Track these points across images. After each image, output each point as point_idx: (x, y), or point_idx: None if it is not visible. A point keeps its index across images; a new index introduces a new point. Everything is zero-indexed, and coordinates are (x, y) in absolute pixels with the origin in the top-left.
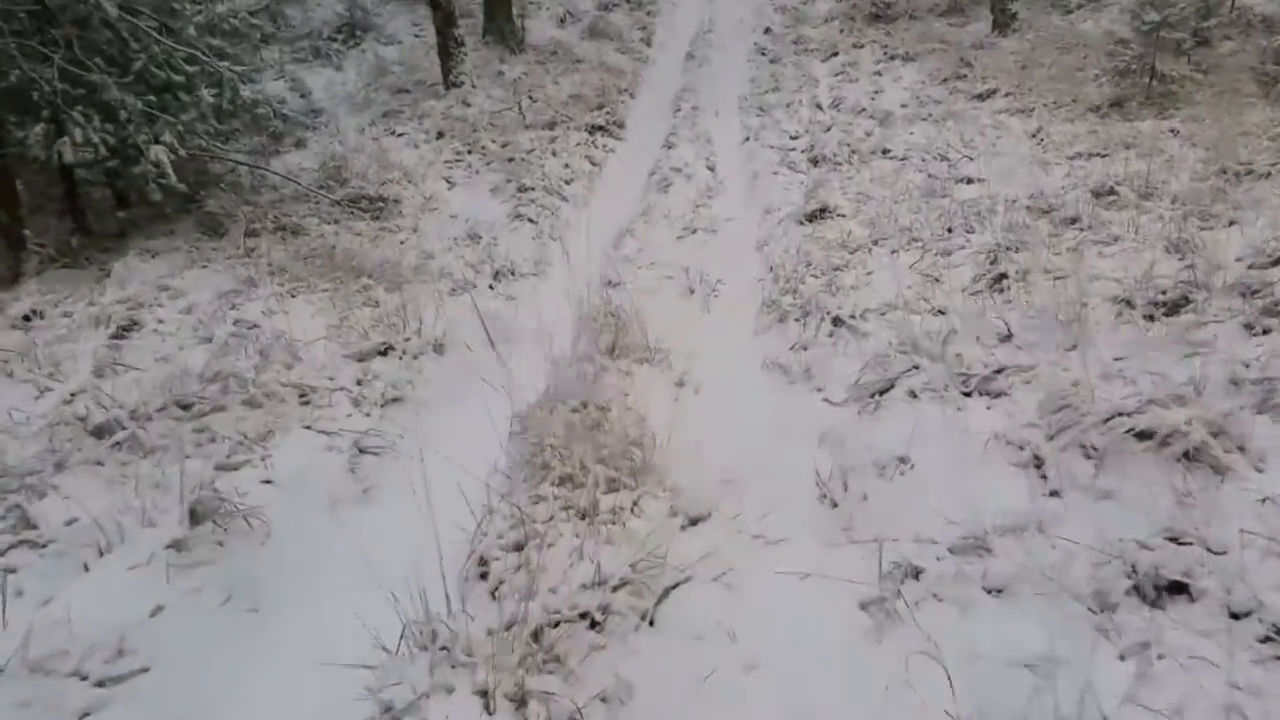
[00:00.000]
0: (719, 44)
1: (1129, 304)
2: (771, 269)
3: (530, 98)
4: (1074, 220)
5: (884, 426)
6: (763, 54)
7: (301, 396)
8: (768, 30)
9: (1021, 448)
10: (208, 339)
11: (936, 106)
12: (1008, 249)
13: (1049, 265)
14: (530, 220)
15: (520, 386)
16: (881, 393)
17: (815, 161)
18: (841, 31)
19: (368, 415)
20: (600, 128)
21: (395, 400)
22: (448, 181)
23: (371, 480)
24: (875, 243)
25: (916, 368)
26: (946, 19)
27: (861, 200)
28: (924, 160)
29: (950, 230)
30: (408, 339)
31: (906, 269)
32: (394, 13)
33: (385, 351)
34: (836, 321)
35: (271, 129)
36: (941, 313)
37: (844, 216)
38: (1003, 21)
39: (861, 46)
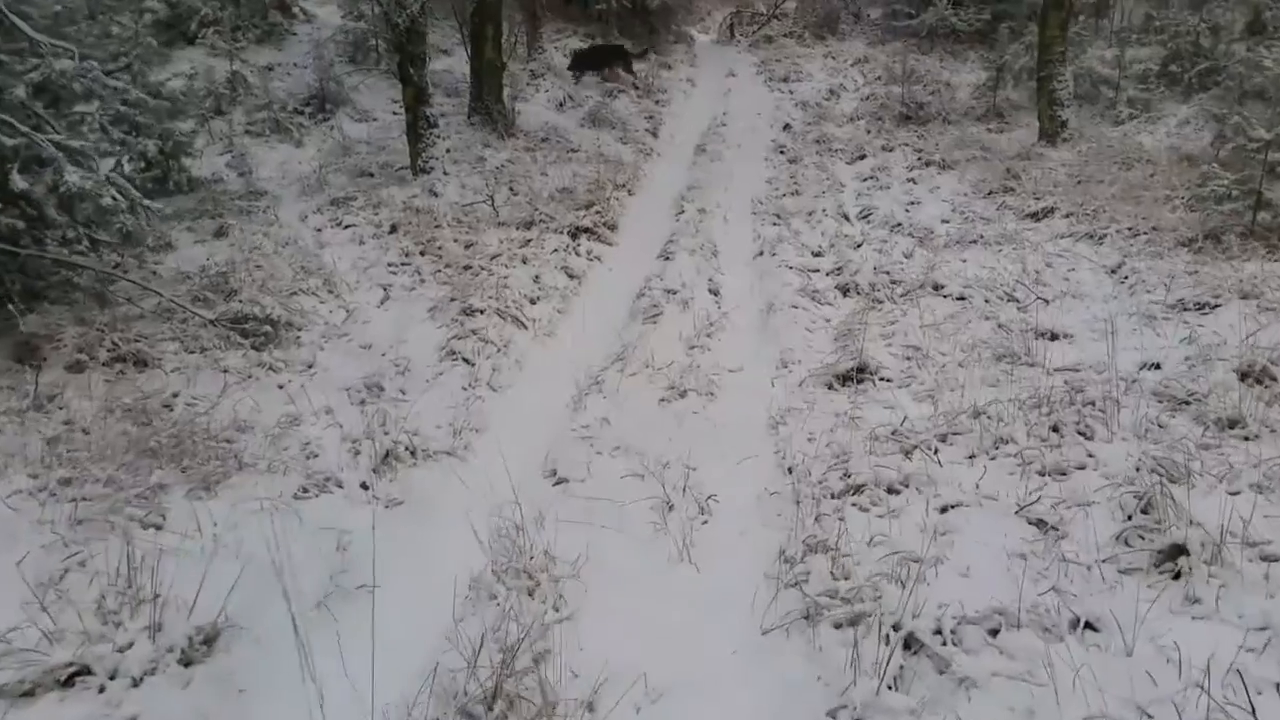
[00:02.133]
0: (733, 139)
1: None
2: (790, 471)
3: (511, 189)
4: (1234, 423)
5: None
6: (781, 152)
7: None
8: (787, 127)
9: None
10: None
11: (985, 225)
12: (1158, 476)
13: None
14: (465, 360)
15: None
16: None
17: (845, 291)
18: (869, 132)
19: None
20: (587, 230)
21: None
22: (384, 291)
23: None
24: (944, 439)
25: None
26: (984, 124)
27: (913, 358)
28: (987, 301)
29: (1057, 431)
30: (126, 646)
31: (1007, 509)
32: (373, 86)
33: (71, 680)
34: (910, 644)
35: (119, 226)
36: (1093, 627)
37: (889, 382)
38: (1051, 130)
39: (891, 150)
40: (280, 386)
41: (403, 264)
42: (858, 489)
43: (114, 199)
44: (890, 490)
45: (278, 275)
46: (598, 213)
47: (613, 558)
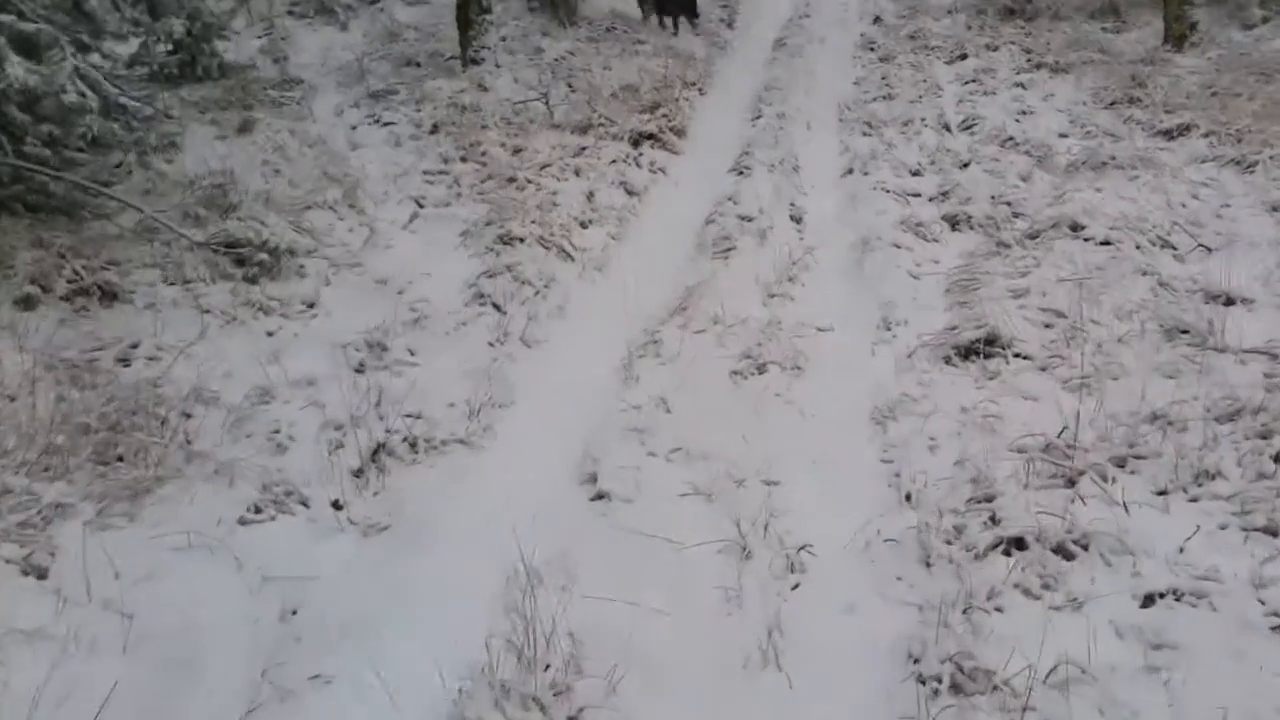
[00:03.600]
0: (817, 32)
1: None
2: (909, 499)
3: (569, 85)
4: None
5: None
6: (871, 49)
7: None
8: (877, 19)
9: None
10: None
11: (1113, 144)
12: None
13: None
14: (495, 306)
15: None
16: None
17: (954, 224)
18: (969, 28)
19: None
20: (651, 136)
21: None
22: (417, 204)
23: None
24: (1121, 463)
25: None
26: (1100, 22)
27: (1054, 326)
28: (1139, 248)
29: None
30: None
31: (1241, 605)
32: None
33: None
34: None
35: (84, 131)
36: None
37: (1028, 361)
38: (1179, 32)
39: (996, 49)
40: (269, 334)
41: (440, 172)
42: (1013, 545)
43: (81, 96)
44: (1061, 552)
45: (297, 182)
46: (664, 116)
47: (662, 655)
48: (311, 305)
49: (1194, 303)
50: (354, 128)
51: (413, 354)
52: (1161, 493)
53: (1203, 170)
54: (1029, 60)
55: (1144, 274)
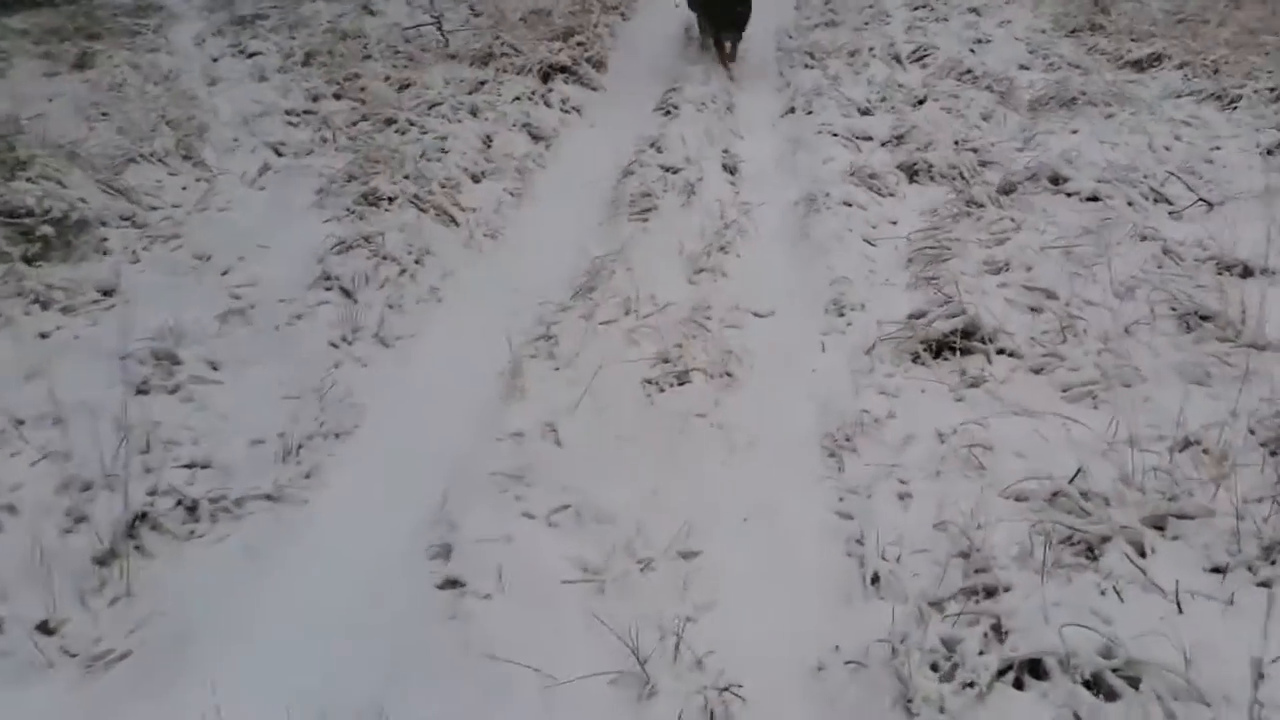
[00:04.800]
0: None
1: None
2: (875, 582)
3: (472, 9)
4: None
5: None
6: None
7: None
8: None
9: None
10: None
11: (1080, 77)
12: None
13: None
14: (345, 292)
15: None
16: None
17: (913, 174)
18: None
19: None
20: (564, 69)
21: None
22: (275, 153)
23: None
24: (1160, 526)
25: None
26: None
27: (1044, 310)
28: (1130, 204)
29: None
30: None
31: None
32: None
33: None
34: None
35: None
36: None
37: (1017, 359)
38: None
39: None
40: (43, 336)
41: (306, 112)
42: (1027, 672)
43: None
44: (1099, 688)
45: (128, 128)
46: (580, 45)
47: None
48: (109, 293)
49: (1207, 275)
50: (215, 59)
51: (214, 366)
52: (1217, 571)
53: (1181, 106)
54: None
55: (1143, 238)
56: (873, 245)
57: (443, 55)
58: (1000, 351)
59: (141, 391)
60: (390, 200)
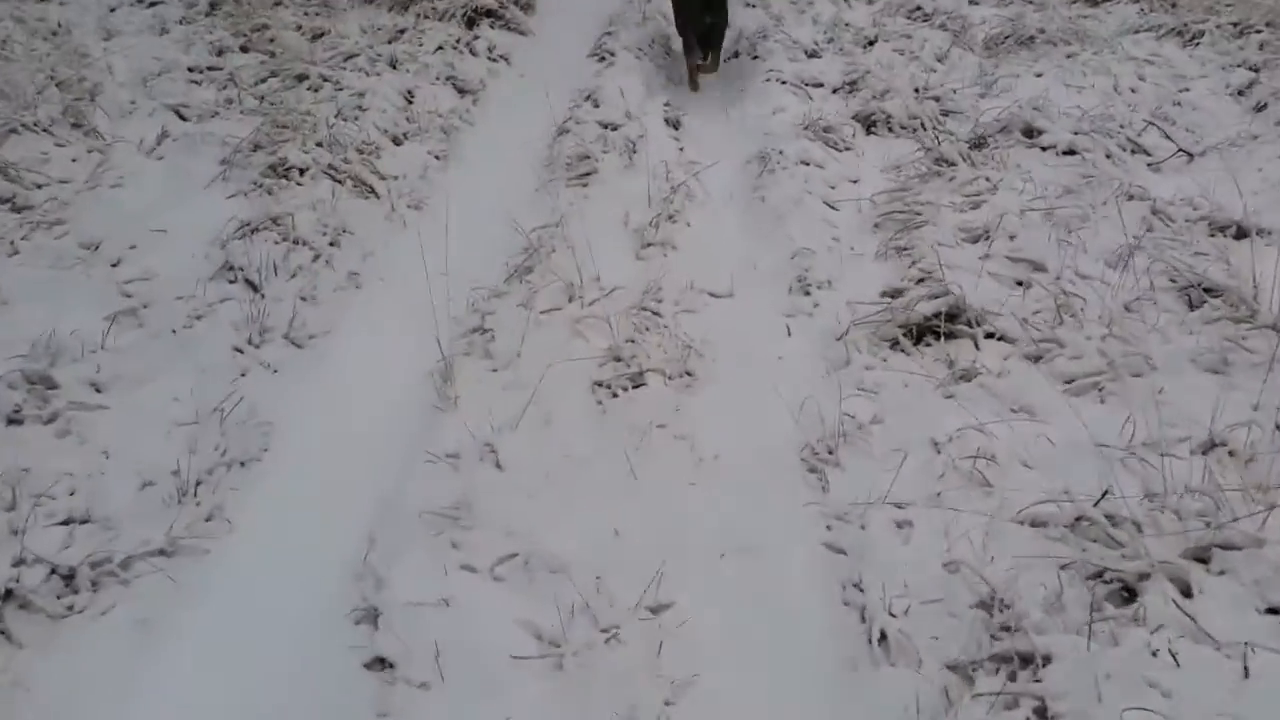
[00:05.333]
0: None
1: None
2: (883, 642)
3: None
4: None
5: None
6: None
7: None
8: None
9: None
10: None
11: (1036, 12)
12: None
13: None
14: (251, 285)
15: None
16: None
17: (870, 125)
18: None
19: None
20: (490, 13)
21: None
22: (178, 116)
23: None
24: (1204, 559)
25: None
26: None
27: (1033, 285)
28: (1109, 157)
29: None
30: None
31: None
32: None
33: None
34: None
35: None
36: None
37: (1009, 344)
38: None
39: None
40: None
41: (211, 69)
42: None
43: None
44: None
45: (10, 93)
46: None
47: None
48: None
49: (1202, 239)
50: (112, 10)
51: (98, 388)
52: (1273, 611)
53: (1140, 43)
54: None
55: (1129, 197)
56: (834, 209)
57: (359, 0)
58: (990, 335)
59: (15, 421)
60: (302, 172)
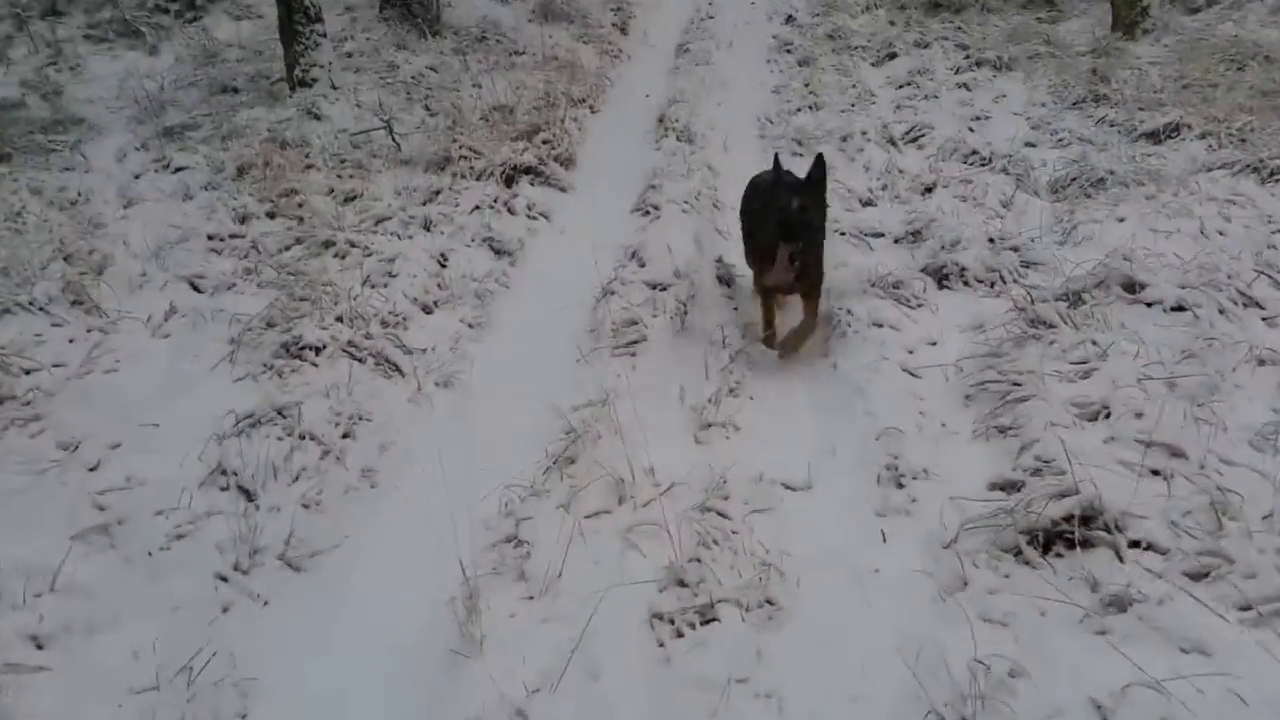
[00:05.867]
0: (723, 34)
1: None
2: None
3: (427, 108)
4: None
5: None
6: (787, 51)
7: None
8: (790, 19)
9: None
10: None
11: (1098, 153)
12: None
13: None
14: (245, 493)
15: None
16: None
17: (943, 279)
18: (893, 24)
19: None
20: (530, 170)
21: None
22: (192, 287)
23: None
24: None
25: None
26: (1033, 11)
27: (1175, 481)
28: (1222, 312)
29: None
30: None
31: None
32: None
33: None
34: None
35: None
36: None
37: (1153, 553)
38: (1129, 19)
39: (927, 45)
40: None
41: (233, 236)
42: None
43: None
44: None
45: (12, 268)
46: (546, 142)
47: None
48: None
49: None
50: (136, 177)
51: (39, 643)
52: None
53: (1216, 181)
54: (966, 58)
55: (1260, 362)
56: (916, 377)
57: (394, 161)
58: (1135, 544)
59: None
60: (317, 350)
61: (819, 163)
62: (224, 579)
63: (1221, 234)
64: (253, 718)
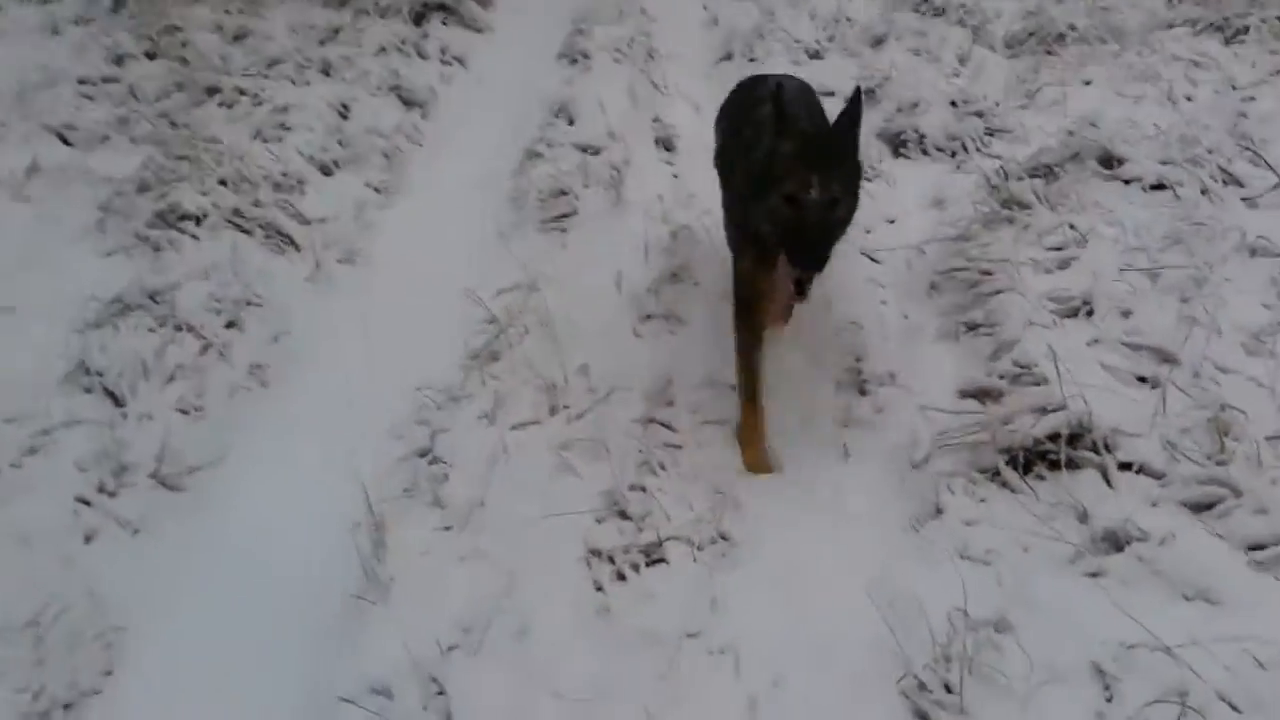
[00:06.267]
0: None
1: None
2: None
3: None
4: None
5: None
6: None
7: None
8: None
9: None
10: None
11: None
12: None
13: None
14: (112, 397)
15: None
16: None
17: (901, 146)
18: None
19: None
20: (443, 7)
21: None
22: (61, 140)
23: None
24: None
25: None
26: None
27: (1167, 391)
28: (1204, 192)
29: None
30: None
31: None
32: None
33: None
34: None
35: None
36: None
37: (1146, 476)
38: None
39: None
40: None
41: (107, 80)
42: None
43: None
44: None
45: None
46: None
47: None
48: None
49: None
50: (1, 8)
51: None
52: None
53: (1179, 39)
54: None
55: (1252, 252)
56: (876, 262)
57: None
58: (1124, 466)
59: None
60: (198, 221)
61: (856, 99)
62: (86, 502)
63: (1189, 99)
64: (118, 675)
